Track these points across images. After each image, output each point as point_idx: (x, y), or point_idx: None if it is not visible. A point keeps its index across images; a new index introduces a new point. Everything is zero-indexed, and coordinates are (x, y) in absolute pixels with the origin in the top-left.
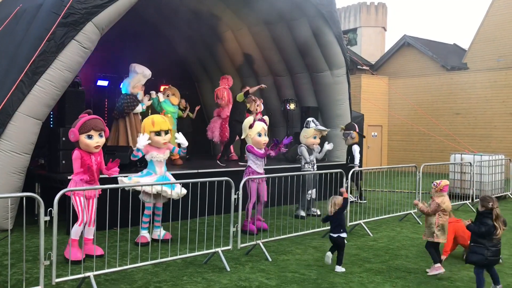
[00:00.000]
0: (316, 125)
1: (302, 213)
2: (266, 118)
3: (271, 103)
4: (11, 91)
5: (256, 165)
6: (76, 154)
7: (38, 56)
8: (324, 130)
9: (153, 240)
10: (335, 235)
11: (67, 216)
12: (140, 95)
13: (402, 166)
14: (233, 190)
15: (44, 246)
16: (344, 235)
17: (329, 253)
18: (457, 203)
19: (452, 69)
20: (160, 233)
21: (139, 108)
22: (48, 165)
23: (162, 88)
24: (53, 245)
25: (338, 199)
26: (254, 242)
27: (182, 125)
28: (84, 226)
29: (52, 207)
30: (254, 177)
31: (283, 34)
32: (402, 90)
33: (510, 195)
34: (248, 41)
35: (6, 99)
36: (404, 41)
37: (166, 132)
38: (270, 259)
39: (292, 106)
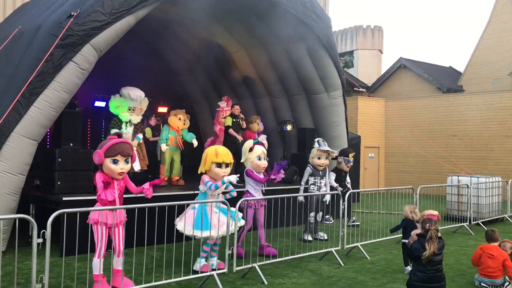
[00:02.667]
0: (319, 145)
1: (309, 237)
2: (263, 137)
3: (268, 124)
4: (7, 111)
5: (255, 190)
6: (99, 177)
7: (36, 77)
8: (332, 152)
9: (149, 262)
10: None
11: (61, 238)
12: (125, 117)
13: (398, 188)
14: (229, 213)
15: (36, 268)
16: None
17: (408, 267)
18: (454, 225)
19: (448, 91)
20: (214, 262)
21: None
22: (43, 186)
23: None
24: (46, 267)
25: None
26: (250, 265)
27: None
28: (113, 257)
29: (46, 229)
30: (248, 198)
31: (280, 56)
32: (399, 112)
33: (508, 218)
34: (245, 63)
35: (2, 119)
36: (400, 64)
37: (227, 165)
38: (266, 283)
39: (289, 127)
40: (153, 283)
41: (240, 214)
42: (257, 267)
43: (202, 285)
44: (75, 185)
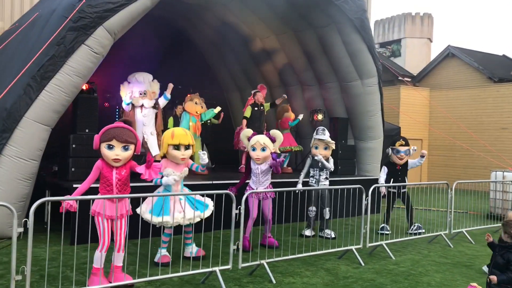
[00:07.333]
0: (317, 133)
1: (307, 233)
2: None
3: (299, 113)
4: (19, 96)
5: (252, 181)
6: (97, 163)
7: (47, 60)
8: (330, 142)
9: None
10: None
11: (47, 226)
12: (137, 102)
13: (431, 183)
14: (234, 205)
15: (17, 259)
16: None
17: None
18: (497, 225)
19: (500, 81)
20: (193, 250)
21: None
22: (59, 173)
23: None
24: (28, 258)
25: None
26: (257, 262)
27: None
28: (113, 251)
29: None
30: (254, 191)
31: (311, 41)
32: (445, 102)
33: None
34: (275, 50)
35: (13, 103)
36: (448, 52)
37: (187, 148)
38: (274, 281)
39: (319, 116)
40: (157, 277)
41: (212, 202)
42: (265, 264)
43: (204, 281)
44: (89, 172)
